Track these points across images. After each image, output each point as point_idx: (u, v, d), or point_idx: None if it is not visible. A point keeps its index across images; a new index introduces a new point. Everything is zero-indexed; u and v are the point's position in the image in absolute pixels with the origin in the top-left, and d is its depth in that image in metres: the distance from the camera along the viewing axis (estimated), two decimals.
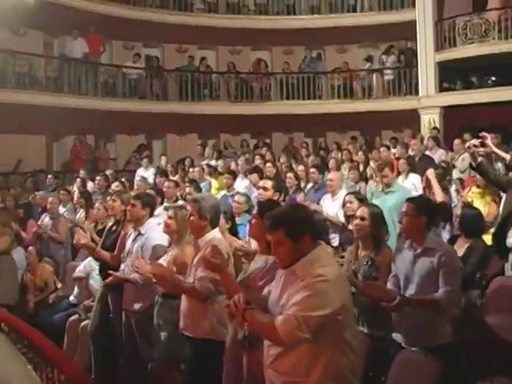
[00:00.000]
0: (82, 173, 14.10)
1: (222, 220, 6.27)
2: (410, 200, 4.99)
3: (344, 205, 6.84)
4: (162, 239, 5.91)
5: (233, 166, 12.94)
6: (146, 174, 14.09)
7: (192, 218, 4.97)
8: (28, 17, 15.38)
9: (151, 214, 6.32)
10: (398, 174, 9.56)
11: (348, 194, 7.14)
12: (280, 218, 3.41)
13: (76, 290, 8.49)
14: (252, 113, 19.06)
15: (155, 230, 6.05)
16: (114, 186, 10.75)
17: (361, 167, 12.01)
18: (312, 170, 10.04)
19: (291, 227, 3.30)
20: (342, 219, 7.29)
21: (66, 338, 7.74)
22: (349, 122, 19.13)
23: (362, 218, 5.21)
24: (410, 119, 17.83)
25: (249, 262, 4.65)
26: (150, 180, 12.89)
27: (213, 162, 14.26)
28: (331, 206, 8.02)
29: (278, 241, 3.32)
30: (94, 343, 6.94)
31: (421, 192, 8.22)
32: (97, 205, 8.37)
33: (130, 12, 18.38)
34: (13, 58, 16.42)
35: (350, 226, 6.11)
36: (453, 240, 6.33)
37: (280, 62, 20.99)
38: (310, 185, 10.10)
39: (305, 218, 3.39)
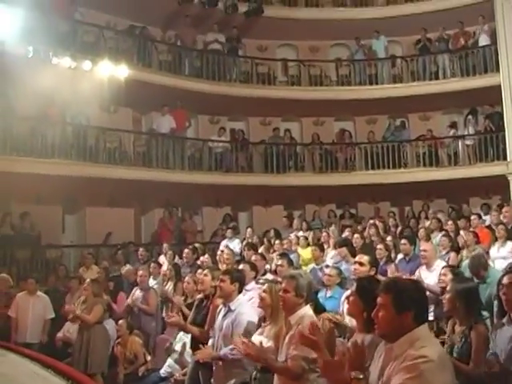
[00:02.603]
0: (165, 246, 14.27)
1: None
2: None
3: (439, 277, 6.69)
4: (253, 315, 5.85)
5: (322, 237, 12.86)
6: (232, 245, 14.15)
7: (288, 294, 4.87)
8: (118, 95, 15.96)
9: (240, 290, 6.28)
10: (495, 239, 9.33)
11: (445, 267, 6.98)
12: (394, 284, 3.38)
13: (168, 362, 8.51)
14: (337, 183, 18.98)
15: (246, 305, 6.01)
16: (204, 258, 10.86)
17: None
18: (403, 241, 9.90)
19: (399, 298, 3.24)
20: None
21: None
22: (435, 190, 18.83)
23: (448, 293, 5.09)
24: (499, 185, 17.39)
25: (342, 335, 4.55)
26: (237, 250, 13.00)
27: (300, 233, 14.21)
28: (429, 278, 7.82)
29: (383, 304, 3.28)
30: None
31: None
32: (187, 278, 8.47)
33: (214, 87, 18.81)
34: (103, 134, 16.97)
35: None
36: None
37: (364, 132, 21.02)
38: (400, 256, 9.93)
39: (416, 297, 3.29)
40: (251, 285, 7.16)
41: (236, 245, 14.31)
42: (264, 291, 5.58)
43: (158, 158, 17.81)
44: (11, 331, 10.45)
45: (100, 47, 16.71)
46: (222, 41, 19.98)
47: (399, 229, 13.39)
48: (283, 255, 9.54)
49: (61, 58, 14.81)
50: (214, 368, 6.14)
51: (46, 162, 14.90)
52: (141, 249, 14.46)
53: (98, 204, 17.22)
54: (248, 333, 5.70)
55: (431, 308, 7.43)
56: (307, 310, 4.90)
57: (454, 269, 6.88)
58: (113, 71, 15.53)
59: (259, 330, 5.58)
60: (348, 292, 4.80)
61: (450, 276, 6.30)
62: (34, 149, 15.15)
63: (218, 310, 6.35)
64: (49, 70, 14.31)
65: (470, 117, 19.77)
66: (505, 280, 4.67)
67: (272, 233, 14.22)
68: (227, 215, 19.42)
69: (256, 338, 5.41)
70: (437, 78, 19.85)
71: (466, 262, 8.48)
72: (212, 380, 6.22)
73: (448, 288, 5.15)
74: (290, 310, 4.89)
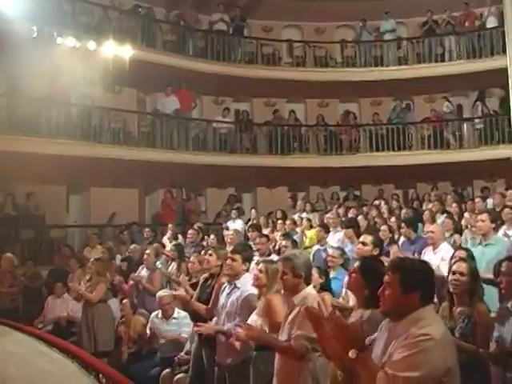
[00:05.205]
0: (170, 226, 14.31)
1: (315, 275, 6.22)
2: (509, 259, 4.82)
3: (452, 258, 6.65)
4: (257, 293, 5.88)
5: (325, 219, 12.88)
6: (234, 226, 14.19)
7: (286, 276, 4.87)
8: (122, 75, 15.91)
9: (248, 269, 6.31)
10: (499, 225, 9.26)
11: (460, 248, 6.97)
12: (402, 264, 3.38)
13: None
14: (341, 165, 18.97)
15: (250, 283, 6.04)
16: (211, 239, 10.89)
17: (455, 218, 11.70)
18: (402, 224, 9.96)
19: (407, 277, 3.23)
20: (443, 273, 7.10)
21: None
22: (440, 173, 18.77)
23: (462, 274, 5.04)
24: (504, 168, 17.27)
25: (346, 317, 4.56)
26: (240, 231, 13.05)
27: (304, 215, 14.23)
28: (432, 260, 7.81)
29: (389, 282, 3.27)
30: None
31: None
32: (192, 258, 8.49)
33: (219, 68, 18.75)
34: (108, 115, 16.96)
35: None
36: None
37: (368, 114, 20.97)
38: (403, 237, 9.95)
39: (424, 277, 3.29)
40: (250, 265, 7.19)
41: (239, 226, 14.35)
42: (260, 271, 5.62)
43: (163, 139, 17.79)
44: (18, 311, 10.57)
45: (104, 27, 16.64)
46: (227, 20, 19.87)
47: (403, 211, 13.39)
48: (287, 236, 9.59)
49: (65, 37, 14.79)
50: (217, 345, 6.19)
51: (50, 142, 14.89)
52: (146, 229, 14.51)
53: (103, 184, 17.26)
54: (252, 307, 5.77)
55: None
56: (310, 291, 4.92)
57: (469, 251, 6.80)
58: (117, 51, 15.48)
59: (256, 311, 5.62)
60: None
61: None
62: (38, 129, 15.15)
63: (221, 289, 6.38)
64: (53, 50, 14.30)
65: (478, 103, 19.68)
66: (504, 267, 4.68)
67: (279, 214, 14.25)
68: (232, 196, 19.45)
69: (252, 318, 5.46)
70: (443, 60, 19.71)
71: (469, 244, 8.49)
72: (215, 357, 6.27)
73: (459, 269, 5.07)
74: (291, 291, 4.90)
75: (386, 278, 3.31)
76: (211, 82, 18.72)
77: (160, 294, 8.63)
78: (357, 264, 4.33)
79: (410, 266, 3.34)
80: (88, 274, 9.50)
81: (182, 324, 8.35)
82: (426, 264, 3.51)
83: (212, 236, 11.27)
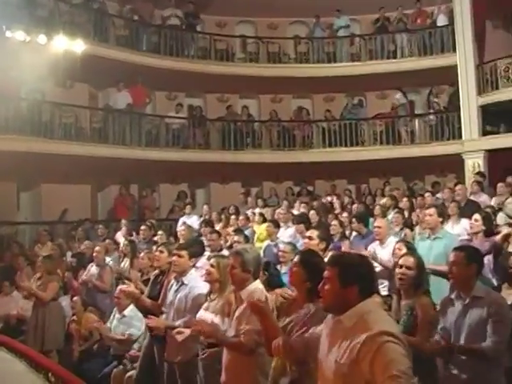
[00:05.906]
0: (123, 222, 14.21)
1: None
2: (458, 249, 4.89)
3: (393, 252, 6.76)
4: (205, 289, 5.87)
5: (276, 214, 12.92)
6: (190, 221, 14.15)
7: (235, 270, 4.89)
8: (74, 70, 15.69)
9: (194, 265, 6.30)
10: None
11: (399, 241, 7.08)
12: (340, 258, 3.44)
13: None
14: (294, 161, 19.07)
15: (199, 279, 6.04)
16: (159, 235, 10.83)
17: (405, 213, 11.83)
18: (353, 219, 10.06)
19: (344, 271, 3.26)
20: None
21: None
22: (392, 168, 19.00)
23: (408, 268, 5.11)
24: (454, 164, 17.62)
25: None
26: (195, 226, 13.05)
27: (257, 210, 14.25)
28: (382, 254, 7.93)
29: (328, 277, 3.30)
30: None
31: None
32: (141, 254, 8.45)
33: (172, 63, 18.65)
34: (59, 110, 16.71)
35: None
36: (497, 288, 6.17)
37: (321, 110, 21.12)
38: (355, 232, 10.05)
39: (361, 271, 3.31)
40: (202, 261, 7.20)
41: (194, 221, 14.32)
42: (211, 265, 5.61)
43: (115, 135, 17.64)
44: None
45: (55, 21, 16.39)
46: (181, 15, 19.77)
47: (354, 206, 13.52)
48: (239, 231, 9.60)
49: (14, 31, 14.49)
50: (167, 342, 6.18)
51: None
52: (100, 226, 14.39)
53: (54, 180, 17.01)
54: (199, 305, 5.75)
55: (385, 282, 7.58)
56: (257, 285, 4.94)
57: (409, 243, 6.94)
58: (68, 46, 15.24)
59: (205, 305, 5.61)
60: None
61: (404, 250, 6.33)
62: None
63: (169, 286, 6.35)
64: (2, 43, 14.03)
65: (430, 99, 19.98)
66: (453, 257, 4.75)
67: (232, 209, 14.25)
68: (182, 192, 19.40)
69: (204, 315, 5.45)
70: (395, 56, 19.93)
71: (418, 238, 8.63)
72: (165, 354, 6.25)
73: (405, 263, 5.14)
74: (239, 285, 4.92)
75: (326, 273, 3.34)
76: (164, 78, 18.62)
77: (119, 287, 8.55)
78: (296, 258, 4.32)
79: (348, 260, 3.38)
80: (38, 271, 9.39)
81: (131, 324, 8.25)
82: (364, 258, 3.56)
83: (160, 232, 11.20)
